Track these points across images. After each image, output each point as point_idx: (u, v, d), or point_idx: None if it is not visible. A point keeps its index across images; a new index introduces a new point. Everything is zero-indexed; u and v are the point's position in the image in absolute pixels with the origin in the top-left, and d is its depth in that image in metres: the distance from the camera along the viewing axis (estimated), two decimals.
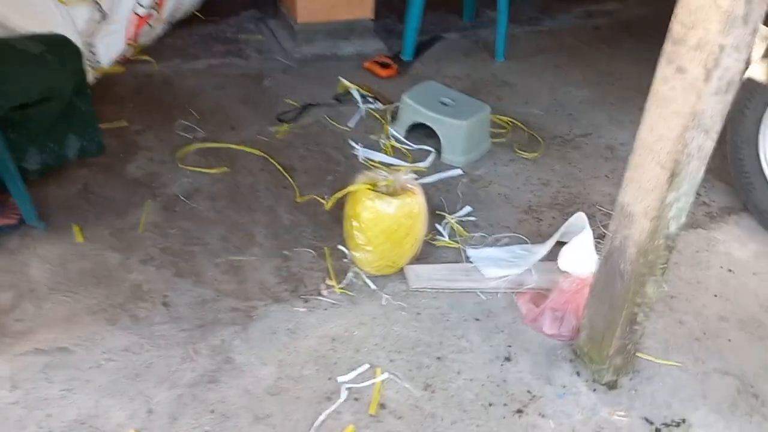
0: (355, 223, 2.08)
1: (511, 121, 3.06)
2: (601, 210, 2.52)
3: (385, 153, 2.80)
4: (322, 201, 2.46)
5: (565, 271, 2.07)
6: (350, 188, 2.10)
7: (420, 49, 3.65)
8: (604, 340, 1.78)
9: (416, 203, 2.08)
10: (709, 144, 1.43)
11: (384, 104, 3.14)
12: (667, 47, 1.41)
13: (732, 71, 1.33)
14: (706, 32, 1.30)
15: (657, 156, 1.47)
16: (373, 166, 2.71)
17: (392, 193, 2.09)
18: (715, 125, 1.40)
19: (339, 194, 2.17)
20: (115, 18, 2.97)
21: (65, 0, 2.74)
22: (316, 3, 3.47)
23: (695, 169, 1.46)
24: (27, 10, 2.64)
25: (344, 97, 3.20)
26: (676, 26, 1.37)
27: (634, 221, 1.57)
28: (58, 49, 2.10)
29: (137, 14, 3.10)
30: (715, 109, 1.37)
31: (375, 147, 2.85)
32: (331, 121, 3.03)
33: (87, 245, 2.26)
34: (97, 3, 2.85)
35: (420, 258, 2.24)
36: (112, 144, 2.78)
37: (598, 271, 1.77)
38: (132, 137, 2.84)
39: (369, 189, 2.08)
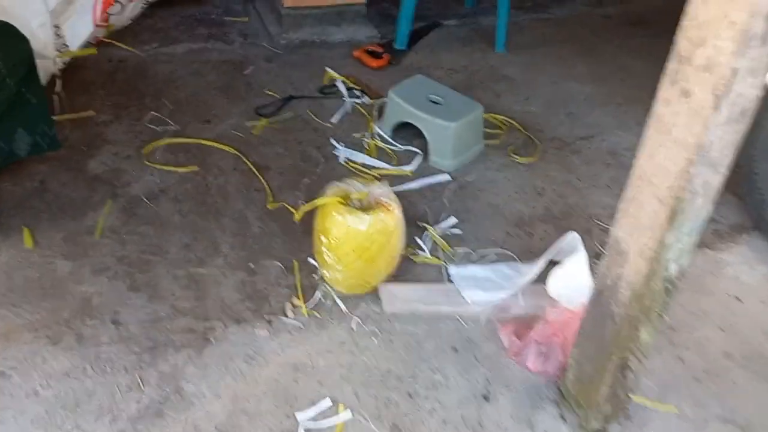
0: (323, 240, 1.89)
1: (507, 121, 2.85)
2: (599, 225, 2.31)
3: (368, 154, 2.59)
4: (292, 211, 2.26)
5: (553, 298, 1.88)
6: (319, 201, 1.91)
7: (415, 36, 3.42)
8: (593, 385, 1.59)
9: (392, 219, 1.88)
10: (717, 179, 1.23)
11: (371, 98, 2.93)
12: (671, 65, 1.20)
13: (746, 98, 1.12)
14: (716, 52, 1.09)
15: (656, 190, 1.27)
16: (353, 168, 2.51)
17: (366, 207, 1.90)
18: (725, 159, 1.20)
19: (307, 207, 1.98)
20: None
21: None
22: None
23: (700, 207, 1.26)
24: None
25: (330, 90, 2.99)
26: (682, 41, 1.15)
27: (629, 260, 1.37)
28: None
29: None
30: (724, 141, 1.17)
31: (358, 146, 2.64)
32: (313, 116, 2.82)
33: (37, 251, 2.08)
34: None
35: (397, 275, 2.05)
36: (76, 136, 2.59)
37: (588, 308, 1.57)
38: (98, 129, 2.65)
39: (340, 202, 1.88)
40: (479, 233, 2.26)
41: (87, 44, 2.95)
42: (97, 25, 2.92)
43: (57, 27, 2.68)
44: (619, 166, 2.62)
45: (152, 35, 3.36)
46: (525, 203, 2.41)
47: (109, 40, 3.15)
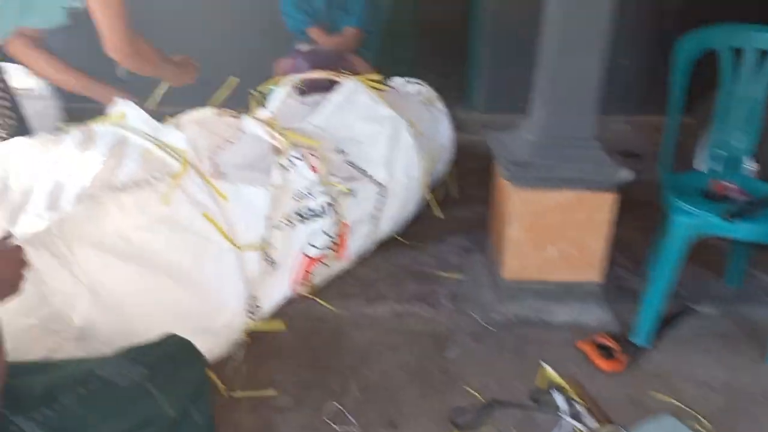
0: None
1: None
2: None
3: None
4: None
5: None
6: None
7: (659, 325, 2.78)
8: None
9: None
10: None
11: (599, 422, 2.31)
12: None
13: None
14: None
15: None
16: None
17: None
18: None
19: None
20: (281, 262, 2.64)
21: (239, 245, 2.46)
22: (528, 261, 2.83)
23: None
24: (201, 253, 2.37)
25: (544, 397, 2.44)
26: None
27: None
28: (168, 366, 1.69)
29: (307, 255, 2.73)
30: None
31: None
32: None
33: None
34: (267, 253, 2.52)
35: None
36: (248, 423, 2.32)
37: None
38: (273, 415, 2.35)
39: None
40: None
41: (282, 303, 2.81)
42: (292, 289, 2.79)
43: (254, 296, 2.55)
44: None
45: (357, 287, 3.13)
46: None
47: (310, 296, 2.98)
